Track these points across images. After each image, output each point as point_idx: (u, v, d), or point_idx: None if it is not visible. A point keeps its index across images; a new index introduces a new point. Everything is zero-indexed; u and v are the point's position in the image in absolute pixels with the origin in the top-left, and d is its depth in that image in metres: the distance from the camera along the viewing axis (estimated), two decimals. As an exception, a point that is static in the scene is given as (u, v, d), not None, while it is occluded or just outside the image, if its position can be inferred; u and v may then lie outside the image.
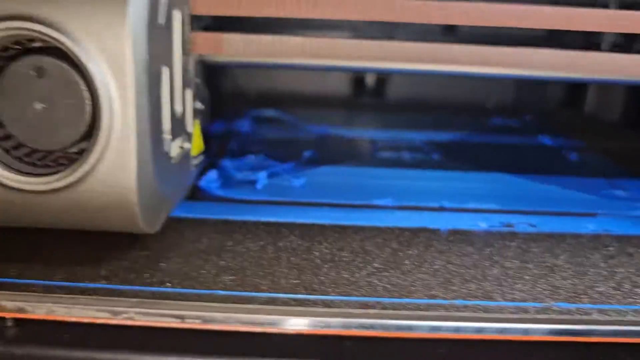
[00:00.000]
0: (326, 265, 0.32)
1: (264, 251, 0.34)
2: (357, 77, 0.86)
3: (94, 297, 0.28)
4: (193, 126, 0.37)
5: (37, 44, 0.26)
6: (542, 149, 0.61)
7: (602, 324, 0.28)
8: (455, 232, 0.37)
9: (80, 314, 0.28)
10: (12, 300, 0.28)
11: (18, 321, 0.28)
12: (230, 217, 0.38)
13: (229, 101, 0.72)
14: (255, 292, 0.29)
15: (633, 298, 0.30)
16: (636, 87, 0.72)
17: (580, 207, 0.43)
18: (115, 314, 0.27)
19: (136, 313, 0.27)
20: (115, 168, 0.26)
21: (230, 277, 0.31)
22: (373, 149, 0.56)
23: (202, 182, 0.43)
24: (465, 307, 0.29)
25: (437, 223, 0.38)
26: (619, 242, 0.37)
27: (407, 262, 0.33)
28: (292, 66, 0.48)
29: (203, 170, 0.44)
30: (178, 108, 0.33)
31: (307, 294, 0.29)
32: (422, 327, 0.28)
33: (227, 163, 0.49)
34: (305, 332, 0.28)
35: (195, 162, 0.39)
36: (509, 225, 0.39)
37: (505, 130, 0.70)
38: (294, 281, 0.30)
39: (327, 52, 0.38)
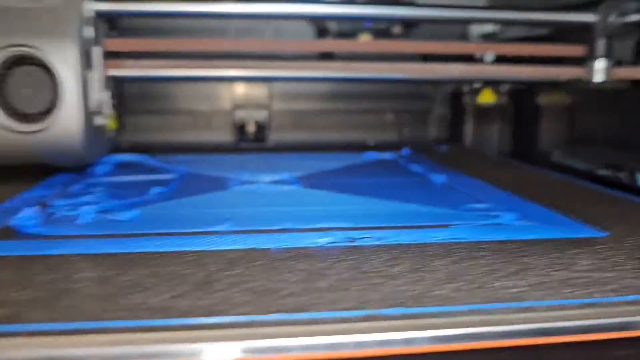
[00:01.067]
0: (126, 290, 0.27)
1: (51, 284, 0.28)
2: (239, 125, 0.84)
3: None
4: (109, 112, 0.55)
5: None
6: (412, 176, 0.59)
7: (433, 328, 0.25)
8: (288, 250, 0.34)
9: None
10: None
11: None
12: (32, 253, 0.33)
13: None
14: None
15: (471, 300, 0.27)
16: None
17: (436, 221, 0.40)
18: None
19: None
20: (69, 119, 0.48)
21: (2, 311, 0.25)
22: (229, 184, 0.52)
23: (15, 220, 0.38)
24: (282, 321, 0.25)
25: (273, 243, 0.35)
26: (465, 248, 0.34)
27: (224, 281, 0.29)
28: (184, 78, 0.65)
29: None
30: (100, 98, 0.52)
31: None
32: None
33: (59, 202, 0.43)
34: None
35: (110, 133, 0.59)
36: (351, 240, 0.35)
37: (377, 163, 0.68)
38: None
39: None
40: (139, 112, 0.83)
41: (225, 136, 0.86)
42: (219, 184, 0.53)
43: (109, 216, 0.40)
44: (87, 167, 0.58)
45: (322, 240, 0.35)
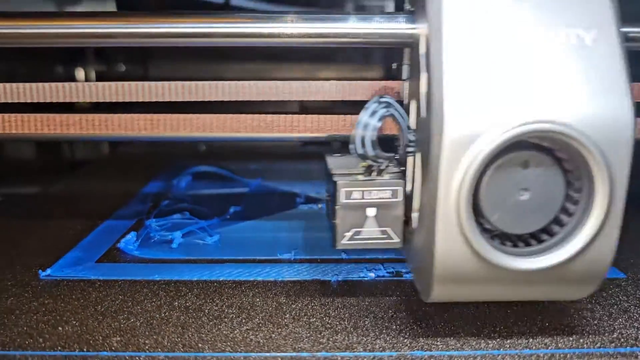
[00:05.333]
0: (211, 323, 0.35)
1: (157, 311, 0.36)
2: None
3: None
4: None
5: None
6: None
7: None
8: (345, 283, 0.40)
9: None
10: None
11: None
12: (138, 278, 0.41)
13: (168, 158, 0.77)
14: (137, 352, 0.32)
15: (487, 342, 0.33)
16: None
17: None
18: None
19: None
20: (603, 246, 0.30)
21: (117, 339, 0.33)
22: (296, 202, 0.59)
23: (120, 244, 0.46)
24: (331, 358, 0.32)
25: (331, 275, 0.41)
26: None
27: (287, 315, 0.36)
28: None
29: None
30: None
31: (184, 352, 0.32)
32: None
33: (151, 223, 0.52)
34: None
35: None
36: (397, 275, 0.42)
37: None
38: (176, 340, 0.33)
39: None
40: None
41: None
42: (287, 201, 0.60)
43: (196, 239, 0.48)
44: (171, 177, 0.67)
45: (372, 273, 0.42)
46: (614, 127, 0.29)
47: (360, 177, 0.33)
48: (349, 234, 0.33)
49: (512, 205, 0.30)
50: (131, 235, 0.48)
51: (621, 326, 0.35)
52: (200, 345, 0.33)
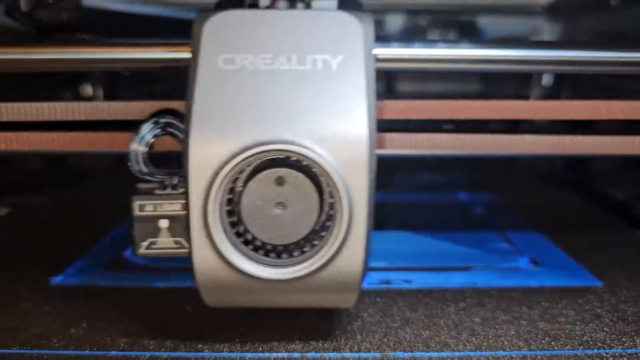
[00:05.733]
0: (210, 326, 0.38)
1: (161, 315, 0.39)
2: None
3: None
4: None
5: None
6: (455, 205, 0.67)
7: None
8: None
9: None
10: None
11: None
12: (143, 284, 0.44)
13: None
14: (142, 351, 0.35)
15: (465, 344, 0.36)
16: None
17: (460, 262, 0.48)
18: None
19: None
20: (349, 257, 0.32)
21: (124, 340, 0.36)
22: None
23: (127, 253, 0.49)
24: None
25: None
26: (476, 293, 0.43)
27: (282, 318, 0.39)
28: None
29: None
30: None
31: (185, 352, 0.35)
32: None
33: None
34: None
35: None
36: (387, 283, 0.44)
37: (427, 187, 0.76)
38: (178, 341, 0.36)
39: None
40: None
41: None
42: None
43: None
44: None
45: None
46: (350, 147, 0.31)
47: (158, 191, 0.34)
48: (145, 244, 0.34)
49: (270, 218, 0.32)
50: (137, 245, 0.50)
51: (591, 330, 0.37)
52: (200, 345, 0.35)
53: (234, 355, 0.35)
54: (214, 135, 0.31)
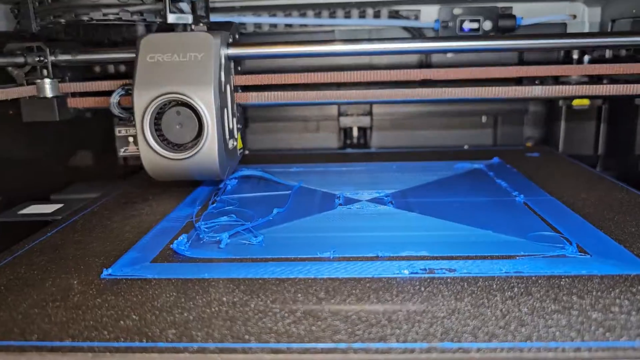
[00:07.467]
0: (256, 316, 0.38)
1: (208, 306, 0.40)
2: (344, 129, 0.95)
3: (59, 353, 0.35)
4: (238, 135, 0.73)
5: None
6: (496, 192, 0.66)
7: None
8: (380, 280, 0.43)
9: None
10: None
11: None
12: (189, 276, 0.45)
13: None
14: (190, 342, 0.35)
15: (514, 335, 0.35)
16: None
17: (505, 251, 0.48)
18: (73, 366, 0.35)
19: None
20: (209, 150, 0.62)
21: (172, 331, 0.37)
22: (335, 204, 0.62)
23: (173, 245, 0.50)
24: (364, 350, 0.34)
25: (367, 273, 0.44)
26: (524, 282, 0.42)
27: (326, 309, 0.39)
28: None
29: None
30: (231, 126, 0.68)
31: (232, 343, 0.35)
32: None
33: (201, 225, 0.56)
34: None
35: (239, 151, 0.75)
36: (430, 272, 0.44)
37: (466, 174, 0.75)
38: (225, 332, 0.37)
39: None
40: (258, 120, 0.96)
41: (332, 140, 0.97)
42: (327, 203, 0.63)
43: (242, 240, 0.52)
44: (221, 181, 0.71)
45: (406, 271, 0.44)
46: (205, 95, 0.61)
47: (127, 122, 0.72)
48: (122, 150, 0.73)
49: (175, 130, 0.62)
50: (182, 237, 0.51)
51: (645, 319, 0.37)
52: (247, 337, 0.36)
53: (280, 346, 0.35)
54: (144, 91, 0.62)
